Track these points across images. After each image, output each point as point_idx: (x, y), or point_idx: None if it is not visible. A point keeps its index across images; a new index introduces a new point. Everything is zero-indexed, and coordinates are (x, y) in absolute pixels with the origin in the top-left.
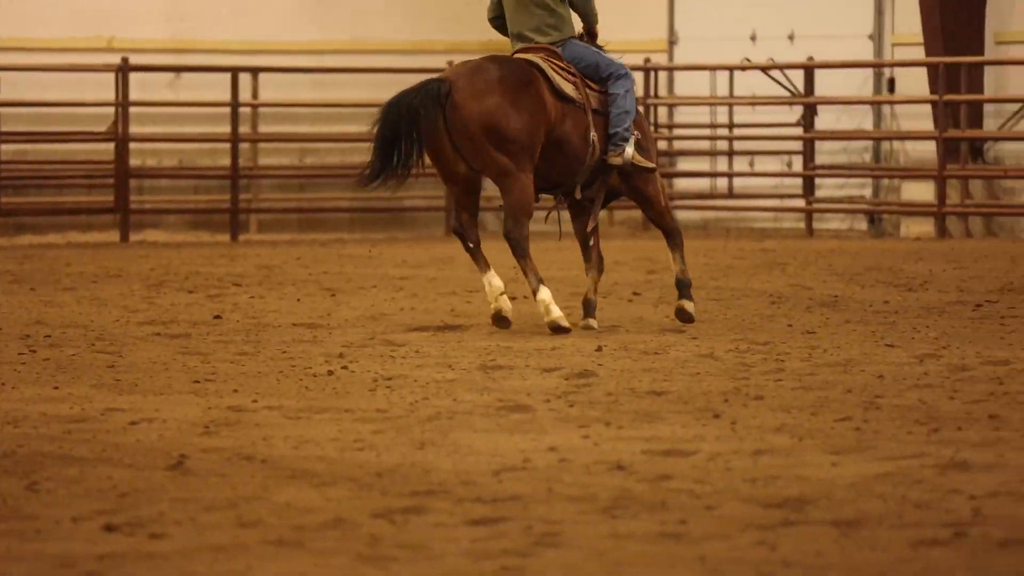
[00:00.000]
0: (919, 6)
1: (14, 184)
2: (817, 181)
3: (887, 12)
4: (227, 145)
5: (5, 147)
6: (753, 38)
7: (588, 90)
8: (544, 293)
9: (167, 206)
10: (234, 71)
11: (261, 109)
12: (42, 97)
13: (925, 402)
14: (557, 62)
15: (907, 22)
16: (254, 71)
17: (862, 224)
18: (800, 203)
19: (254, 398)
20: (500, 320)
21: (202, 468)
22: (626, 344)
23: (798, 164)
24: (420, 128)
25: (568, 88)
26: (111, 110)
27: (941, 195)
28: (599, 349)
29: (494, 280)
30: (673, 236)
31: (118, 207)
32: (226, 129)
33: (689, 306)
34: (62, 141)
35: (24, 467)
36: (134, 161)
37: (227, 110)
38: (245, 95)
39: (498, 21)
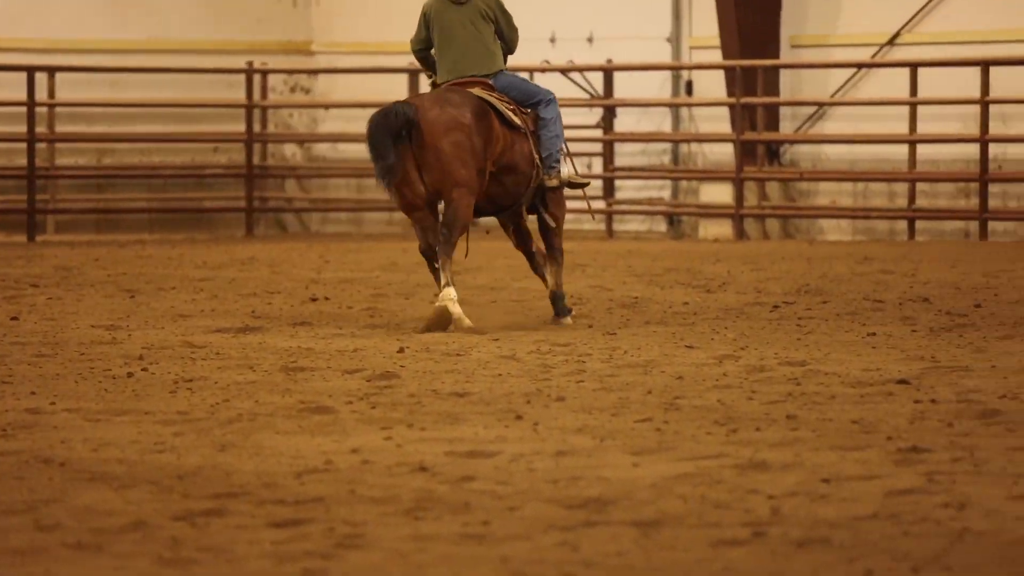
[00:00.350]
0: (716, 10)
1: None
2: (617, 183)
3: (684, 15)
4: (23, 145)
5: None
6: (552, 40)
7: (524, 114)
8: (451, 292)
9: None
10: (30, 70)
11: (58, 109)
12: None
13: (724, 403)
14: (494, 94)
15: (704, 25)
16: (50, 70)
17: (661, 226)
18: (600, 204)
19: (52, 400)
20: (440, 318)
21: None
22: (428, 345)
23: (598, 166)
24: (388, 145)
25: (512, 116)
26: None
27: (739, 197)
28: (401, 351)
29: (451, 292)
30: (558, 253)
31: None
32: (22, 129)
33: (567, 321)
34: None
35: None
36: None
37: (23, 109)
38: (41, 94)
39: (423, 53)
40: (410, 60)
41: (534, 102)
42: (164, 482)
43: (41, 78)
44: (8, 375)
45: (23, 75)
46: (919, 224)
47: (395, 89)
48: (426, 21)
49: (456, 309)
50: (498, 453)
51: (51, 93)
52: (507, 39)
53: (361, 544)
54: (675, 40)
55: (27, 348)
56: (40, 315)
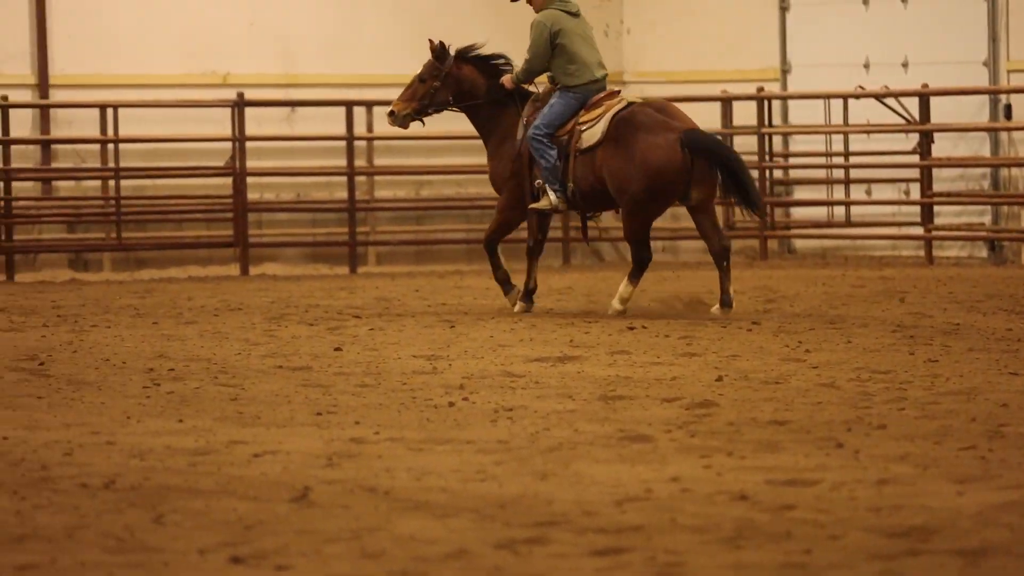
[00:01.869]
0: None
1: (134, 219)
2: (936, 208)
3: (1001, 39)
4: (343, 178)
5: (124, 183)
6: (866, 66)
7: None
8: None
9: (285, 239)
10: (349, 105)
11: (376, 142)
12: (160, 133)
13: None
14: None
15: (1021, 48)
16: (368, 104)
17: (982, 251)
18: (919, 231)
19: (376, 430)
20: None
21: (325, 500)
22: (746, 373)
23: (915, 191)
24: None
25: None
26: (228, 145)
27: None
28: (719, 379)
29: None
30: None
31: (237, 241)
32: (342, 162)
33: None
34: (181, 176)
35: (150, 500)
36: (252, 195)
37: (343, 143)
38: (360, 128)
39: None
40: (722, 88)
41: None
42: (485, 510)
43: (359, 112)
44: (333, 405)
45: (342, 110)
46: None
47: (708, 118)
48: (553, 35)
49: None
50: (819, 481)
51: (369, 127)
52: None
53: (681, 573)
54: (992, 64)
55: (350, 378)
56: (362, 345)
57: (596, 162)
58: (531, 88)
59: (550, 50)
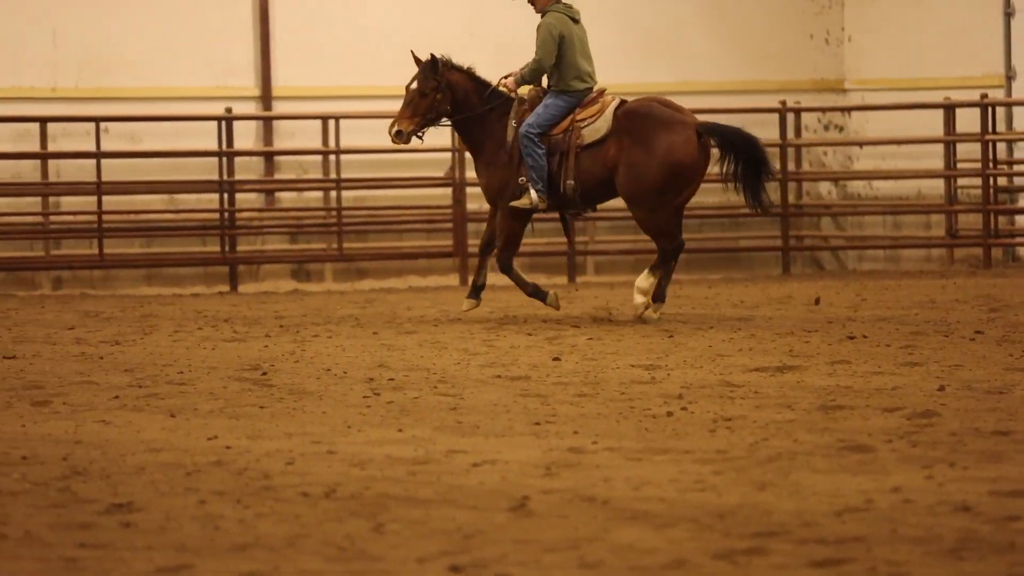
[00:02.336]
0: None
1: (355, 230)
2: None
3: None
4: None
5: (346, 194)
6: None
7: None
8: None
9: None
10: None
11: None
12: (380, 144)
13: None
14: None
15: None
16: None
17: None
18: None
19: (594, 439)
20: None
21: (543, 509)
22: (969, 383)
23: None
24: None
25: None
26: (448, 155)
27: None
28: (941, 388)
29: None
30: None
31: (457, 251)
32: None
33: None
34: (401, 187)
35: (370, 508)
36: (471, 205)
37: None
38: None
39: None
40: (945, 95)
41: None
42: (704, 520)
43: None
44: (551, 415)
45: None
46: None
47: (930, 125)
48: (560, 38)
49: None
50: None
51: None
52: None
53: None
54: None
55: (569, 388)
56: (581, 355)
57: (606, 155)
58: (512, 95)
59: (556, 51)
